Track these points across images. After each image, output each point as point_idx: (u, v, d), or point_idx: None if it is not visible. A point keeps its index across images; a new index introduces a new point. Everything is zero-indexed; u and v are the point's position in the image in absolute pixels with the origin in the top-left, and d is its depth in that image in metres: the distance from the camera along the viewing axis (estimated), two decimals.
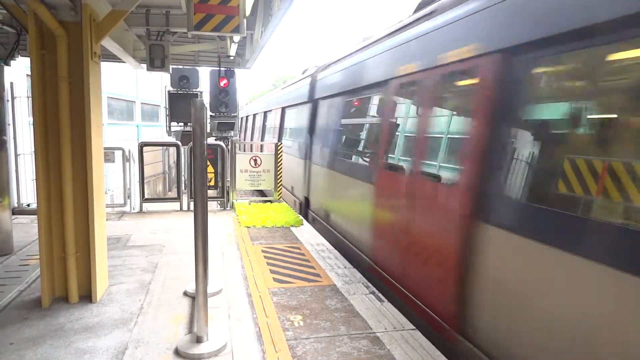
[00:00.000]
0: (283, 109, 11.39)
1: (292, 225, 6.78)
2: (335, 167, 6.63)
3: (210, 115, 12.13)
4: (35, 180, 3.76)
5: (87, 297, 3.83)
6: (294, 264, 4.97)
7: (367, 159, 5.62)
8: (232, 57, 8.25)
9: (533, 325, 2.61)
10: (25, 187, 7.70)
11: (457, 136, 3.69)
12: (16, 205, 7.27)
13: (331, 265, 4.98)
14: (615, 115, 2.45)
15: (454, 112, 3.92)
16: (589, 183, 2.41)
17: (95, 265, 3.79)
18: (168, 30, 5.98)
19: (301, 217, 7.25)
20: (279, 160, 8.37)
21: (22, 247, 5.35)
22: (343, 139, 6.63)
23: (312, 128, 8.15)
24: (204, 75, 13.44)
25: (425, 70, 4.06)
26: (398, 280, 4.36)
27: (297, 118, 9.61)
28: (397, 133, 4.81)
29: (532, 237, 2.62)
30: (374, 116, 5.56)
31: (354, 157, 6.18)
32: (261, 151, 10.92)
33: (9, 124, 6.31)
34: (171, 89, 12.90)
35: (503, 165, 2.98)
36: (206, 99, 13.01)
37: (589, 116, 2.60)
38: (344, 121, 6.57)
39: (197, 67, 12.15)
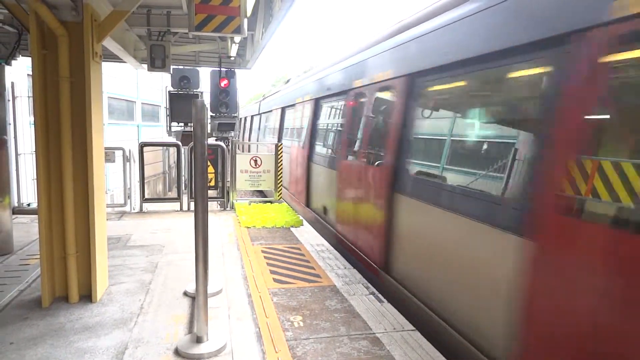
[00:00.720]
0: (252, 117, 17.95)
1: (292, 226, 6.78)
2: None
3: (211, 116, 12.17)
4: (35, 180, 3.77)
5: (87, 296, 3.84)
6: (294, 265, 4.97)
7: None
8: (232, 58, 8.23)
9: None
10: (26, 186, 7.71)
11: None
12: (16, 204, 7.28)
13: (331, 265, 4.99)
14: None
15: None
16: None
17: (96, 265, 3.79)
18: (169, 30, 5.98)
19: (301, 218, 7.25)
20: (279, 160, 8.38)
21: (22, 246, 5.35)
22: (265, 131, 13.86)
23: (259, 128, 15.18)
24: (205, 76, 13.50)
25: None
26: None
27: (257, 122, 16.27)
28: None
29: None
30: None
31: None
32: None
33: (9, 124, 6.31)
34: (172, 89, 12.94)
35: None
36: (207, 99, 13.04)
37: None
38: (266, 123, 13.89)
39: (198, 68, 12.19)
